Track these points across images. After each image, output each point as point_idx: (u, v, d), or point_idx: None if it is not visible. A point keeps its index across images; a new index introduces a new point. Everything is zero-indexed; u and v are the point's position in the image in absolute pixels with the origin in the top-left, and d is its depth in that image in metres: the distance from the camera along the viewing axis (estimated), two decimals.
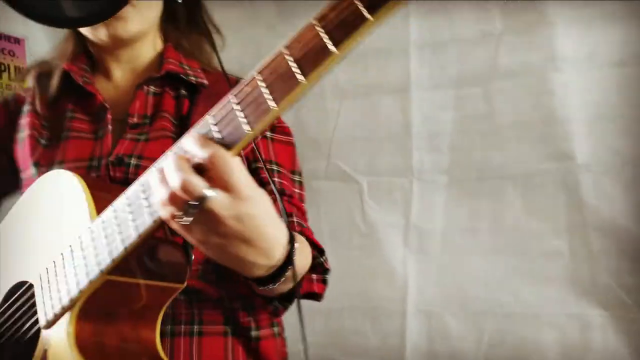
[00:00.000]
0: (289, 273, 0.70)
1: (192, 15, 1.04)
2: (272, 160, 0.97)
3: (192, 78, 0.97)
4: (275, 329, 0.97)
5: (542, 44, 1.74)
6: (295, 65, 0.56)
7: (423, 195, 1.92)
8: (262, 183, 0.92)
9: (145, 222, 0.65)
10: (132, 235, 0.66)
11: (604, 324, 1.64)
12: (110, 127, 0.93)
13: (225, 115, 0.61)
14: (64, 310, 0.74)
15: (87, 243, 0.72)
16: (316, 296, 0.90)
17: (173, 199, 0.59)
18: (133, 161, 0.88)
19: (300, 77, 0.55)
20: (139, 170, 0.87)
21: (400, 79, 1.96)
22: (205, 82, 0.97)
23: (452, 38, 1.88)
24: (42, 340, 0.78)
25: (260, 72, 0.59)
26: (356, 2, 0.53)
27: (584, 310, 1.67)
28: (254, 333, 0.92)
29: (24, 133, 0.98)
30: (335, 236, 1.99)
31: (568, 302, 1.68)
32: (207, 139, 0.60)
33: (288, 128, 1.02)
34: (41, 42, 2.29)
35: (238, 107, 0.60)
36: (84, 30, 0.96)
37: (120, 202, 0.69)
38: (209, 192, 0.58)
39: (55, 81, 0.98)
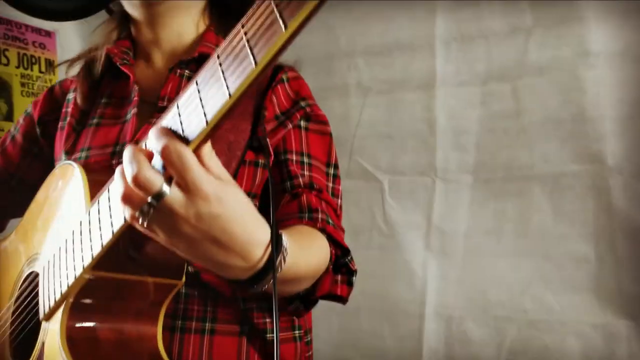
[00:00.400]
0: (279, 274, 0.65)
1: (241, 8, 1.01)
2: (304, 152, 0.91)
3: None
4: (297, 333, 0.93)
5: (574, 39, 1.66)
6: (248, 45, 0.51)
7: (446, 196, 1.87)
8: (290, 176, 0.88)
9: (120, 218, 0.62)
10: (108, 231, 0.64)
11: (630, 334, 1.55)
12: (136, 109, 0.91)
13: (188, 103, 0.57)
14: (57, 304, 0.73)
15: (77, 237, 0.72)
16: (339, 299, 0.85)
17: (127, 196, 0.56)
18: None
19: (251, 59, 0.50)
20: None
21: (426, 75, 1.91)
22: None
23: (480, 33, 1.82)
24: (42, 332, 0.78)
25: (219, 54, 0.54)
26: None
27: (610, 320, 1.58)
28: (269, 335, 0.87)
29: (65, 121, 0.98)
30: (354, 236, 1.95)
31: (593, 311, 1.60)
32: (165, 130, 0.56)
33: (324, 117, 0.97)
34: (71, 35, 2.33)
35: (198, 95, 0.56)
36: (125, 3, 0.94)
37: (103, 195, 0.67)
38: (166, 189, 0.55)
39: (98, 65, 0.98)
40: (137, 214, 0.56)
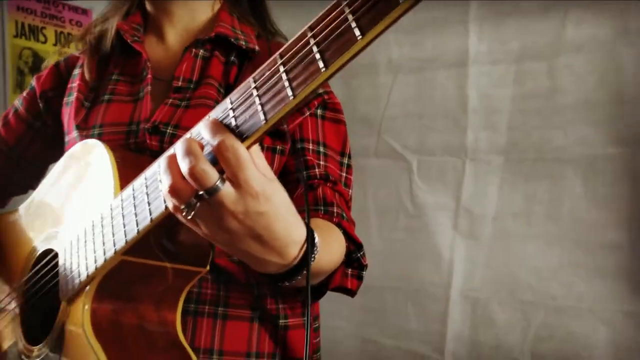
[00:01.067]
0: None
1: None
2: (320, 141, 0.91)
3: (242, 43, 0.92)
4: (306, 319, 0.94)
5: (612, 15, 1.58)
6: (317, 51, 0.50)
7: (476, 177, 1.83)
8: (307, 165, 0.88)
9: (160, 206, 0.62)
10: (146, 218, 0.64)
11: None
12: (149, 87, 0.90)
13: (244, 100, 0.56)
14: (81, 286, 0.74)
15: (107, 221, 0.71)
16: (349, 292, 0.85)
17: (177, 189, 0.56)
18: (169, 130, 0.85)
19: (321, 64, 0.50)
20: (175, 139, 0.83)
21: (458, 54, 1.86)
22: (256, 48, 0.92)
23: (515, 10, 1.76)
24: (61, 313, 0.78)
25: (281, 55, 0.53)
26: None
27: None
28: (282, 321, 0.88)
29: (72, 96, 0.98)
30: (381, 216, 1.94)
31: (623, 298, 1.56)
32: (220, 124, 0.56)
33: (339, 105, 0.95)
34: None
35: (256, 93, 0.56)
36: None
37: (139, 181, 0.67)
38: (220, 184, 0.54)
39: (107, 40, 0.97)
40: (182, 206, 0.57)
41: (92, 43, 0.98)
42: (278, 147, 0.88)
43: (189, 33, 0.97)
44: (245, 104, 0.56)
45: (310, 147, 0.89)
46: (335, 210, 0.85)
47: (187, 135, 0.59)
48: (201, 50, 0.93)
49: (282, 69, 0.53)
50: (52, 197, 0.91)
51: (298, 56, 0.52)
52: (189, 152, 0.55)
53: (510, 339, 1.71)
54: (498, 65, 1.80)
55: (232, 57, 0.92)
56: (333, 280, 0.81)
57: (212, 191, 0.54)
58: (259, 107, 0.54)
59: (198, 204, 0.56)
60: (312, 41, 0.51)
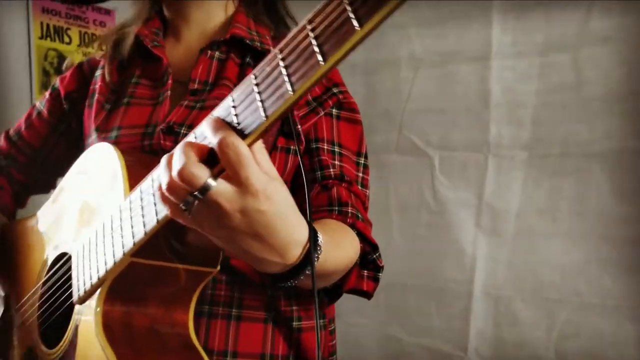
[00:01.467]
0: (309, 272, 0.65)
1: None
2: (335, 141, 0.90)
3: (258, 44, 0.93)
4: (321, 321, 0.93)
5: (638, 5, 1.53)
6: (316, 44, 0.49)
7: (499, 172, 1.80)
8: (322, 165, 0.88)
9: (165, 209, 0.62)
10: (153, 219, 0.64)
11: None
12: (169, 92, 0.91)
13: (245, 97, 0.56)
14: (93, 288, 0.74)
15: (116, 223, 0.72)
16: (365, 294, 0.85)
17: (172, 188, 0.56)
18: (183, 130, 0.86)
19: (320, 57, 0.49)
20: None
21: (481, 47, 1.83)
22: (272, 49, 0.94)
23: (539, 0, 1.72)
24: (75, 315, 0.79)
25: (281, 50, 0.53)
26: None
27: None
28: (295, 324, 0.88)
29: (93, 98, 0.99)
30: (403, 212, 1.93)
31: None
32: (222, 122, 0.56)
33: (355, 104, 0.95)
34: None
35: (256, 89, 0.56)
36: None
37: (146, 183, 0.68)
38: (212, 182, 0.55)
39: (127, 45, 0.98)
40: (181, 204, 0.57)
41: (112, 47, 1.00)
42: (292, 147, 0.88)
43: (206, 35, 0.97)
44: (246, 100, 0.56)
45: (325, 147, 0.89)
46: (349, 211, 0.84)
47: (191, 134, 0.60)
48: (217, 52, 0.93)
49: (281, 63, 0.52)
50: (66, 201, 0.92)
51: (296, 50, 0.51)
52: (180, 154, 0.56)
53: (535, 336, 1.68)
54: (522, 58, 1.77)
55: (248, 59, 0.93)
56: (348, 282, 0.80)
57: (204, 190, 0.54)
58: (259, 104, 0.54)
59: (195, 203, 0.56)
60: (310, 34, 0.50)
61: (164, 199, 0.58)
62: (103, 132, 0.93)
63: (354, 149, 0.92)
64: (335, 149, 0.90)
